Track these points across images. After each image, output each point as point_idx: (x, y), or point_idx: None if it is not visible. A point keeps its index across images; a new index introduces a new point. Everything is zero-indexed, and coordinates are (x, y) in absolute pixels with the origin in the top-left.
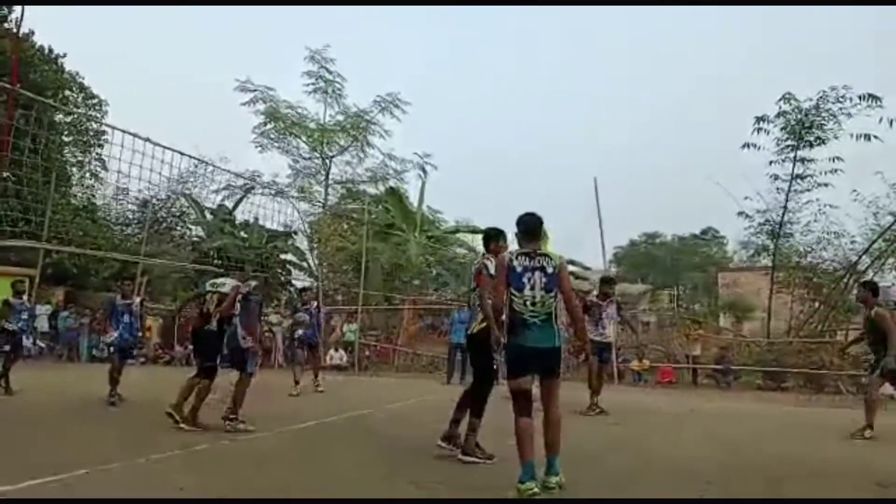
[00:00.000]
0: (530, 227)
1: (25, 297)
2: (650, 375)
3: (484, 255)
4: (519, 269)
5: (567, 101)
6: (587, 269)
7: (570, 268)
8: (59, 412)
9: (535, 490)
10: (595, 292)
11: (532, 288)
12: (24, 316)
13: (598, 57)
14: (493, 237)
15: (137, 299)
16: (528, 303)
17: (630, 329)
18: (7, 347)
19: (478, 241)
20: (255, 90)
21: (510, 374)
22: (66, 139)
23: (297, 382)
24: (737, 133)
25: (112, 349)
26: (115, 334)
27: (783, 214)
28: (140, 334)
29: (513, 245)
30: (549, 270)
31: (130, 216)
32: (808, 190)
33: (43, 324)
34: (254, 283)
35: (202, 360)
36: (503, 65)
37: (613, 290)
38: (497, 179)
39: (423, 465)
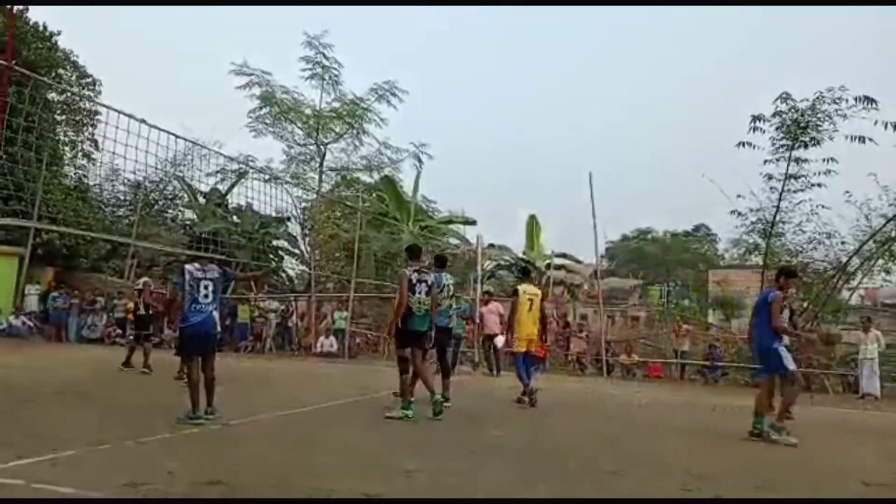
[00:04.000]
0: (414, 252)
1: None
2: (639, 370)
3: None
4: (414, 280)
5: (564, 96)
6: (579, 262)
7: (563, 261)
8: (49, 392)
9: (411, 415)
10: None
11: (420, 293)
12: None
13: (595, 53)
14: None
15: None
16: (416, 302)
17: (794, 331)
18: None
19: (470, 232)
20: (252, 74)
21: (400, 346)
22: (58, 118)
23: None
24: (732, 131)
25: None
26: None
27: (776, 214)
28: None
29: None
30: (429, 282)
31: (122, 197)
32: (802, 190)
33: (33, 304)
34: None
35: None
36: (501, 59)
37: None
38: (492, 172)
39: (408, 453)
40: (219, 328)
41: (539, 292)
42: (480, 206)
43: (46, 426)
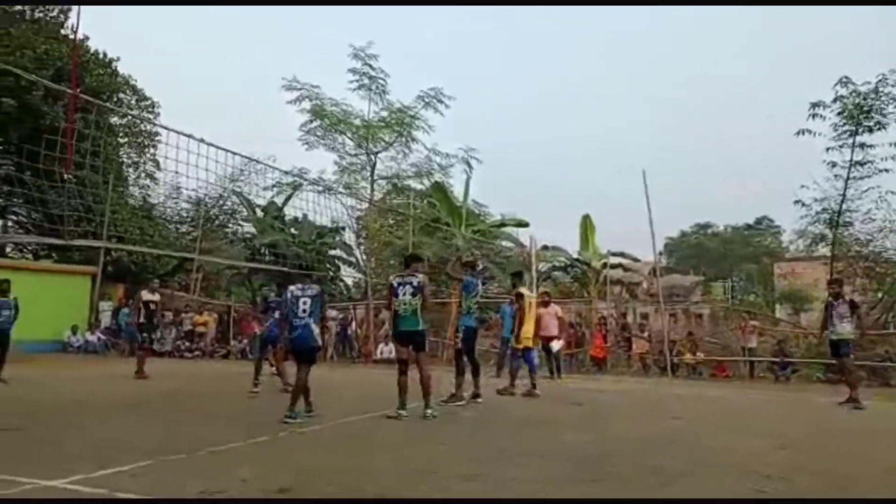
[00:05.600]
0: (407, 260)
1: (11, 296)
2: (705, 369)
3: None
4: (396, 284)
5: (616, 90)
6: (637, 260)
7: (620, 259)
8: (126, 404)
9: (405, 414)
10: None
11: (403, 294)
12: (6, 313)
13: (644, 43)
14: (516, 276)
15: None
16: (401, 304)
17: (860, 326)
18: None
19: (524, 234)
20: (301, 88)
21: (396, 348)
22: (121, 141)
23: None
24: (792, 119)
25: (259, 342)
26: (266, 326)
27: (842, 202)
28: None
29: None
30: (415, 284)
31: (184, 214)
32: (868, 176)
33: (106, 320)
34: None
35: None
36: (548, 54)
37: (842, 289)
38: (543, 171)
39: (470, 458)
40: (318, 340)
41: (533, 294)
42: (532, 207)
43: (124, 437)
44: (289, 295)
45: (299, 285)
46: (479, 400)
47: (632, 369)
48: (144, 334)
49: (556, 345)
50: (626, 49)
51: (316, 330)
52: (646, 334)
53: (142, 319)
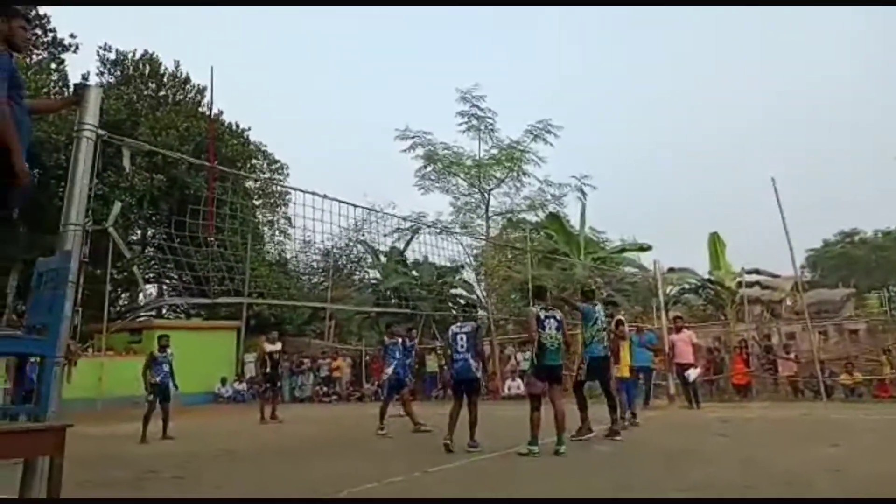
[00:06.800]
0: (538, 293)
1: (169, 351)
2: (866, 389)
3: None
4: (543, 317)
5: (735, 95)
6: (775, 276)
7: (756, 277)
8: (267, 450)
9: (536, 451)
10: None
11: (549, 328)
12: (166, 368)
13: (760, 43)
14: (611, 304)
15: (401, 340)
16: (548, 337)
17: None
18: (150, 398)
19: (646, 258)
20: (414, 136)
21: (537, 382)
22: (256, 203)
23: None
24: None
25: (387, 386)
26: (390, 370)
27: None
28: (411, 371)
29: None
30: (558, 318)
31: (316, 266)
32: None
33: (250, 370)
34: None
35: None
36: (661, 64)
37: None
38: (661, 191)
39: (607, 494)
40: (476, 373)
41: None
42: (653, 228)
43: (269, 482)
44: (449, 333)
45: (458, 323)
46: (618, 438)
47: (779, 394)
48: (268, 384)
49: (692, 372)
50: (751, 43)
51: (475, 364)
52: (793, 355)
53: (267, 370)
